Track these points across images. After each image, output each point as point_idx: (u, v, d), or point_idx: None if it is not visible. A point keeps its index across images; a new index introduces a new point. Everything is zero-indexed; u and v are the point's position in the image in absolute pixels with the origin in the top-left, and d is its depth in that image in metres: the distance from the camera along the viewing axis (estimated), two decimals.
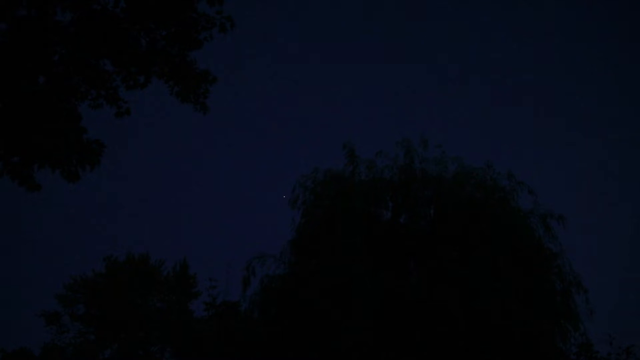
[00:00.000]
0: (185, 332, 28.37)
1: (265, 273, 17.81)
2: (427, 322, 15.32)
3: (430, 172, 18.29)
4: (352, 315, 15.18)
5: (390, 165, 18.57)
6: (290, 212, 18.34)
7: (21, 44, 8.30)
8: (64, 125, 8.72)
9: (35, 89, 8.57)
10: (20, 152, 8.61)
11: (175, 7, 8.90)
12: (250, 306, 17.72)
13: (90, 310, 33.06)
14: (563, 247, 17.39)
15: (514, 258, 16.32)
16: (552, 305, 16.49)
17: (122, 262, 33.78)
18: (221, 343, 19.55)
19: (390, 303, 15.51)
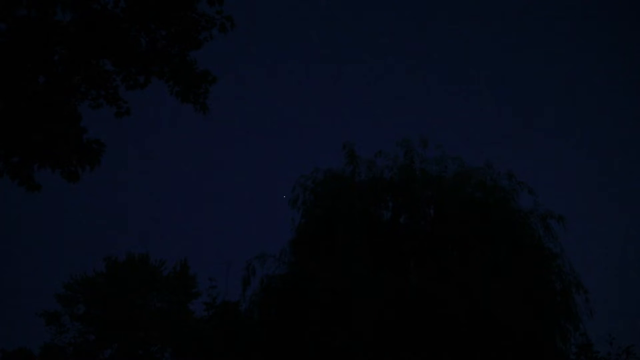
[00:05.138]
0: (185, 332, 28.38)
1: (265, 273, 17.81)
2: (427, 322, 15.32)
3: (430, 172, 18.26)
4: (352, 315, 15.17)
5: (390, 165, 18.55)
6: (290, 212, 18.32)
7: (21, 44, 8.30)
8: (64, 125, 8.72)
9: (35, 89, 8.57)
10: (20, 152, 8.60)
11: (175, 7, 8.90)
12: (250, 306, 17.70)
13: (90, 310, 33.08)
14: (563, 247, 17.40)
15: (514, 258, 16.30)
16: (552, 305, 16.47)
17: (122, 262, 33.80)
18: (221, 343, 19.55)
19: (391, 303, 15.50)
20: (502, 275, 15.68)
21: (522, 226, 17.40)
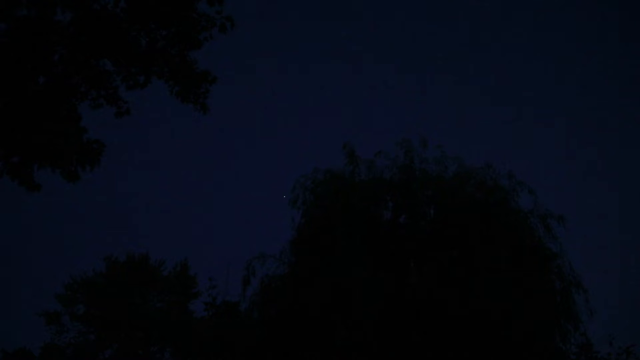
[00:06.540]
0: (185, 332, 28.40)
1: (265, 273, 17.79)
2: (427, 322, 15.32)
3: (430, 172, 18.27)
4: (352, 315, 15.17)
5: (390, 165, 18.53)
6: (290, 212, 18.31)
7: (21, 44, 8.30)
8: (64, 125, 8.72)
9: (35, 89, 8.57)
10: (20, 152, 8.61)
11: (175, 7, 8.91)
12: (250, 306, 17.70)
13: (90, 310, 33.08)
14: (563, 247, 17.40)
15: (514, 258, 16.30)
16: (552, 305, 16.47)
17: (122, 262, 33.81)
18: (221, 343, 19.55)
19: (390, 303, 15.51)
20: (502, 275, 15.68)
21: (522, 226, 17.40)
